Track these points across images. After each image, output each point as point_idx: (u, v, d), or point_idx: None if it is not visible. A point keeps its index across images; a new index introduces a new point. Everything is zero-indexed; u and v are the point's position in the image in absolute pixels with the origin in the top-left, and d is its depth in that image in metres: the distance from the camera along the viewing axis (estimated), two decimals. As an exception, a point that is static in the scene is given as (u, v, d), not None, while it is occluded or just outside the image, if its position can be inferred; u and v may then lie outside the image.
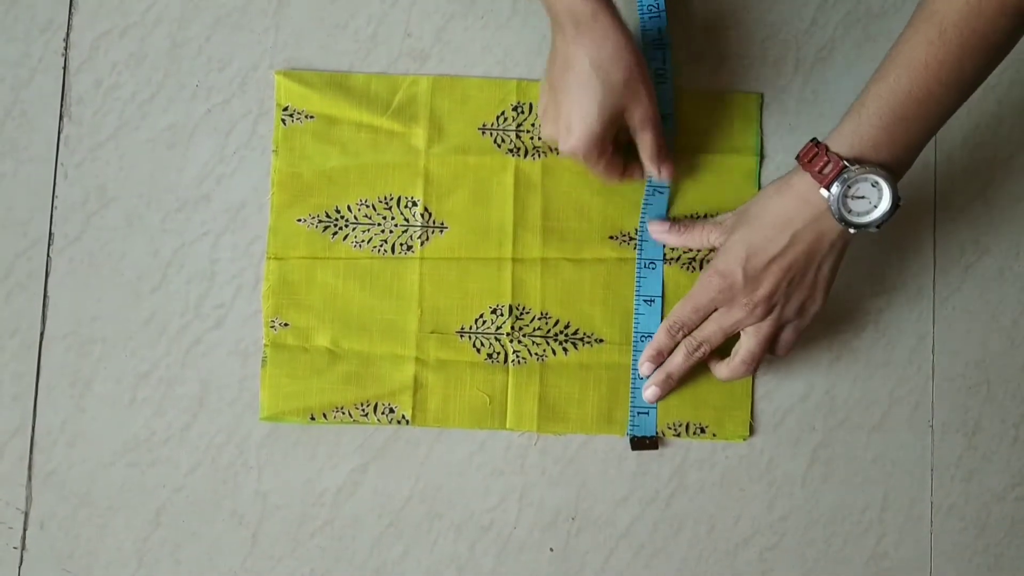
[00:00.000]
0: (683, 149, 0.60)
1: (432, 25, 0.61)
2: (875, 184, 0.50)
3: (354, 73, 0.60)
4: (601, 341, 0.59)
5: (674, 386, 0.57)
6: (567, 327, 0.59)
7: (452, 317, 0.59)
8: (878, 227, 0.51)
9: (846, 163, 0.49)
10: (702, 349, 0.56)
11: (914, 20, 0.49)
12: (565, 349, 0.59)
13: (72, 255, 0.59)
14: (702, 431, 0.59)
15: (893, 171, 0.50)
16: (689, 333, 0.56)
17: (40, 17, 0.60)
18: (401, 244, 0.59)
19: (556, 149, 0.58)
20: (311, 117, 0.59)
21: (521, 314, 0.59)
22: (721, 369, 0.56)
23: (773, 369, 0.60)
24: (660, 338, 0.57)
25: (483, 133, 0.60)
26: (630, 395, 0.59)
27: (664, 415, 0.59)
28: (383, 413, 0.58)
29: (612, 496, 0.59)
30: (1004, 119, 0.62)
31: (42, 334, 0.58)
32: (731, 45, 0.61)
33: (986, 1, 0.46)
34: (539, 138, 0.60)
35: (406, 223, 0.59)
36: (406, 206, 0.59)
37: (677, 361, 0.56)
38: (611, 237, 0.60)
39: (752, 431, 0.60)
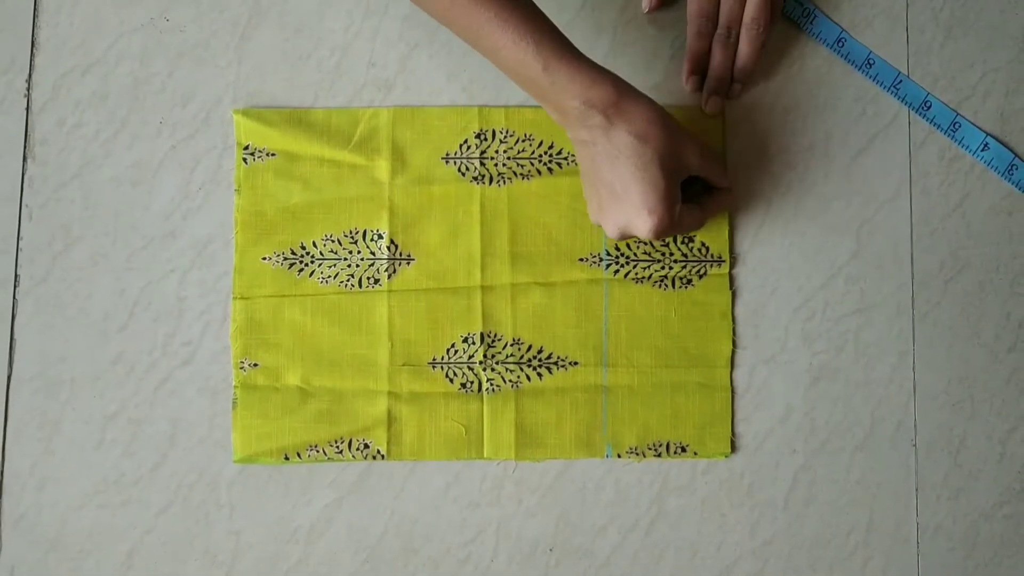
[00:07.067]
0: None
1: (396, 54, 0.60)
2: None
3: (314, 109, 0.59)
4: (576, 364, 0.58)
5: (729, 84, 0.59)
6: (540, 352, 0.58)
7: (423, 348, 0.58)
8: None
9: None
10: (733, 33, 0.58)
11: None
12: (540, 374, 0.58)
13: (38, 296, 0.58)
14: (683, 450, 0.58)
15: None
16: (715, 23, 0.58)
17: (2, 57, 0.59)
18: (368, 278, 0.59)
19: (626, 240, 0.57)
20: (272, 155, 0.59)
21: (493, 341, 0.58)
22: (744, 49, 0.58)
23: (752, 391, 0.59)
24: (692, 45, 0.59)
25: (447, 162, 0.59)
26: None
27: (644, 435, 0.58)
28: (358, 449, 0.58)
29: (591, 525, 0.58)
30: (979, 131, 0.61)
31: (9, 377, 0.58)
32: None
33: None
34: (503, 164, 0.59)
35: (372, 256, 0.59)
36: (372, 239, 0.59)
37: (718, 61, 0.59)
38: (580, 259, 0.59)
39: (734, 448, 0.59)
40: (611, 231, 0.53)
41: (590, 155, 0.52)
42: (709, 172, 0.55)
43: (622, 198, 0.51)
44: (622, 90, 0.51)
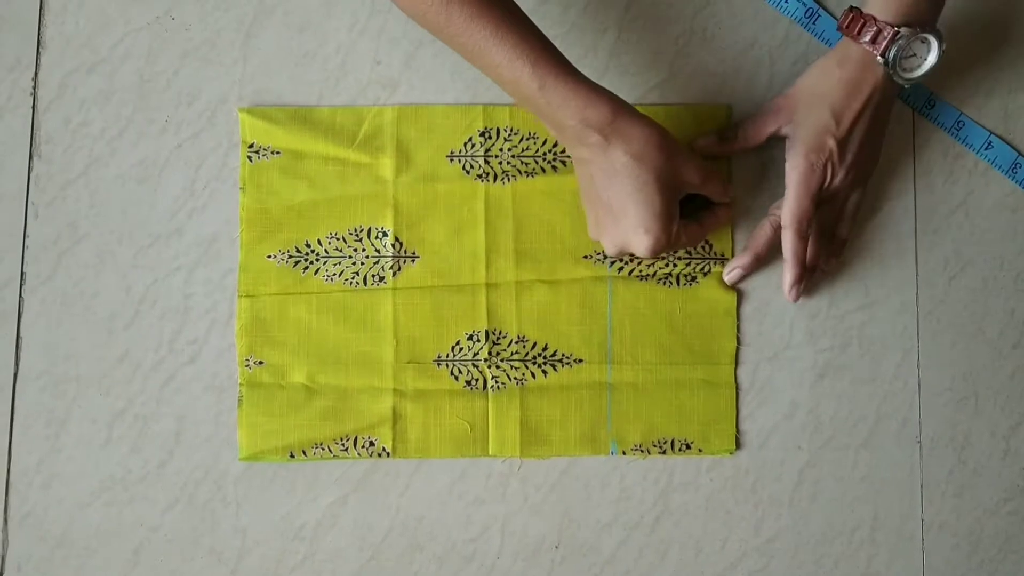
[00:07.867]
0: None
1: (401, 52, 0.60)
2: (924, 40, 0.54)
3: (319, 107, 0.60)
4: (580, 361, 0.59)
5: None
6: (545, 349, 0.59)
7: (428, 346, 0.58)
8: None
9: (898, 29, 0.53)
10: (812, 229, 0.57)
11: None
12: (544, 371, 0.59)
13: (44, 294, 0.59)
14: (687, 447, 0.58)
15: (934, 24, 0.54)
16: (811, 223, 0.56)
17: (8, 56, 0.60)
18: (373, 275, 0.59)
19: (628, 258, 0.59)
20: (277, 153, 0.59)
21: (498, 339, 0.58)
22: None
23: (756, 388, 0.59)
24: (796, 248, 0.56)
25: (451, 160, 0.59)
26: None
27: (648, 432, 0.58)
28: (363, 447, 0.58)
29: (596, 522, 0.58)
30: (983, 128, 0.61)
31: (16, 375, 0.58)
32: (705, 61, 0.61)
33: None
34: (508, 162, 0.59)
35: (377, 254, 0.59)
36: (376, 237, 0.59)
37: (806, 255, 0.57)
38: (585, 256, 0.59)
39: (738, 444, 0.59)
40: (609, 249, 0.53)
41: (588, 173, 0.52)
42: (709, 189, 0.55)
43: (619, 217, 0.52)
44: (619, 110, 0.50)
